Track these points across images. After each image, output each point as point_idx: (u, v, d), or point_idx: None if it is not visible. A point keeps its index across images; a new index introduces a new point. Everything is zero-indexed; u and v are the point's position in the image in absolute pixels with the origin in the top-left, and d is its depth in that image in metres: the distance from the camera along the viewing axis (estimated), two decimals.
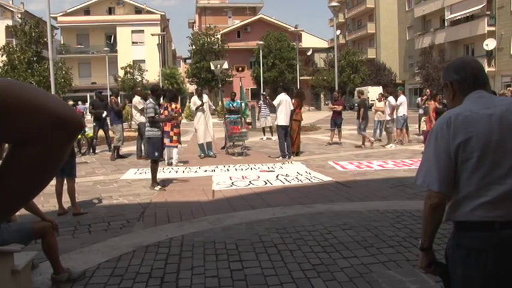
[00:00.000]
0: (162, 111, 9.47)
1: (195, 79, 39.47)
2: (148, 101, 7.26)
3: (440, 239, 3.61)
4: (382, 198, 6.24)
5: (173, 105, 9.19)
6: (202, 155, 10.89)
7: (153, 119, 7.05)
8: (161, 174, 8.04)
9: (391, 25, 46.06)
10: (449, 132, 1.64)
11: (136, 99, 10.64)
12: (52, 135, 0.66)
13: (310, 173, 8.28)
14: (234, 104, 13.04)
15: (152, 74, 38.01)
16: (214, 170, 8.89)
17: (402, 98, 13.15)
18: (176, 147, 9.55)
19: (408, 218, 5.06)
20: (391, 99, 12.57)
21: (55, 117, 0.65)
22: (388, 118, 12.46)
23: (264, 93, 14.62)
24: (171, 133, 9.29)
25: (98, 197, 6.65)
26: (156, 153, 7.12)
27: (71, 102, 10.41)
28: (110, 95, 12.16)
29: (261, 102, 14.86)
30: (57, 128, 0.66)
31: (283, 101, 10.19)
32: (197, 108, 10.76)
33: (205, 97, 11.07)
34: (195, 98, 11.08)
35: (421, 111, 14.15)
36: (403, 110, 12.81)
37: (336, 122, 13.03)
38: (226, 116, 12.06)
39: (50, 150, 0.67)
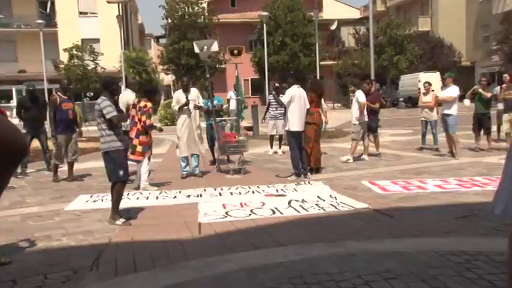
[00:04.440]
0: (129, 114, 9.46)
1: (173, 66, 39.68)
2: (100, 99, 7.21)
3: None
4: (443, 233, 6.21)
5: (142, 103, 9.17)
6: (185, 173, 10.88)
7: (117, 119, 7.14)
8: (125, 202, 8.02)
9: None
10: None
11: (128, 95, 10.59)
12: None
13: (336, 198, 8.28)
14: (215, 102, 12.63)
15: (110, 59, 38.24)
16: (201, 195, 8.90)
17: (454, 90, 12.36)
18: (141, 162, 9.47)
19: (484, 264, 4.99)
20: (358, 94, 12.22)
21: None
22: (356, 121, 12.25)
23: (277, 84, 14.47)
24: (135, 141, 9.24)
25: (29, 237, 6.59)
26: (121, 172, 7.12)
27: None
28: (55, 91, 12.08)
29: (270, 97, 14.64)
30: None
31: (296, 97, 10.14)
32: (181, 108, 10.67)
33: (193, 92, 11.00)
34: (178, 94, 11.03)
35: (500, 106, 14.11)
36: (454, 107, 12.14)
37: (371, 125, 12.92)
38: (212, 118, 11.83)
39: None
